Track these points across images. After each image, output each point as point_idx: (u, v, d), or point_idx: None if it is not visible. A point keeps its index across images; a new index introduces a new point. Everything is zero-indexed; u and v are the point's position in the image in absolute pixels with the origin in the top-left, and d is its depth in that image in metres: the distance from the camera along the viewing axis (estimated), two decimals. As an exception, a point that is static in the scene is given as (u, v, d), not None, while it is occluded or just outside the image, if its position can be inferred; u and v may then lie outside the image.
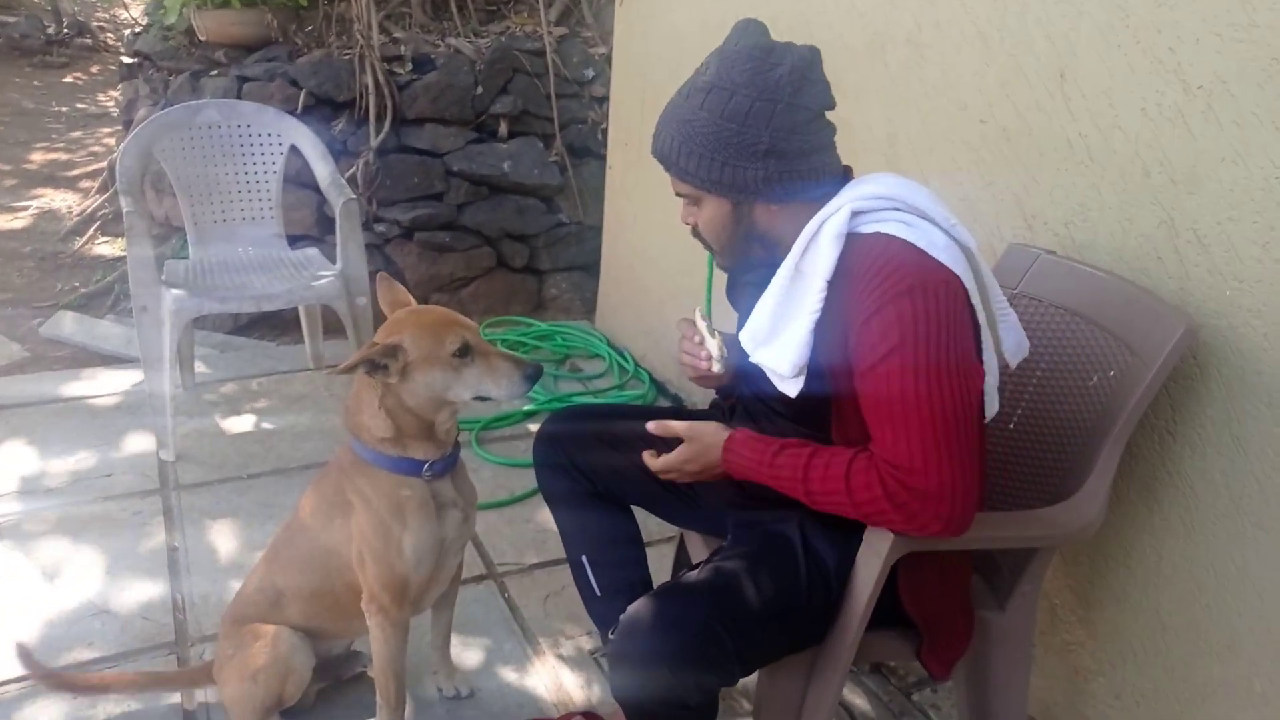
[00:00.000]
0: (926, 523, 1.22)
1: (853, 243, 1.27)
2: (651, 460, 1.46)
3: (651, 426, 1.46)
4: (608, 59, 3.89)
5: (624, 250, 3.62)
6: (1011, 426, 1.66)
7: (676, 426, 1.44)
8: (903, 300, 1.20)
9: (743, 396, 1.55)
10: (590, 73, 4.04)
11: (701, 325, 1.52)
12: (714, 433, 1.41)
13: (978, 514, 1.26)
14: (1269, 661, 1.48)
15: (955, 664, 1.47)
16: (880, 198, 1.29)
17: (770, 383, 1.35)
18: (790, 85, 1.27)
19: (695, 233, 1.44)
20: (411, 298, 1.65)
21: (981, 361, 1.31)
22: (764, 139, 1.28)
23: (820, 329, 1.28)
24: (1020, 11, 1.78)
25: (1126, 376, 1.46)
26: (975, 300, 1.28)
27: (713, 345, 1.49)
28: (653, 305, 3.39)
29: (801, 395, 1.33)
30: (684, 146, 1.32)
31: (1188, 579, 1.58)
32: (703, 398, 2.95)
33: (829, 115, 1.34)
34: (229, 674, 1.65)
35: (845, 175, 1.38)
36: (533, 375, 1.51)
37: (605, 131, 3.81)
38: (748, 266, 1.44)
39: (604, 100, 3.94)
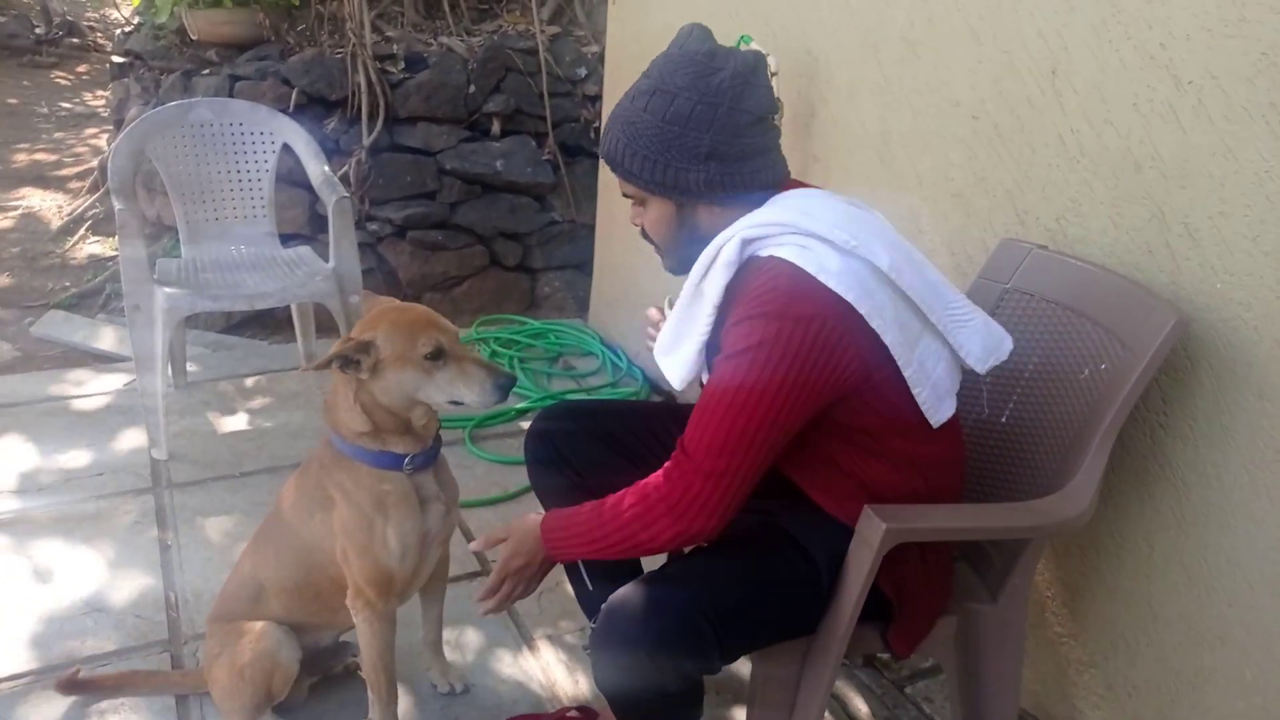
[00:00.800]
0: (685, 493, 1.28)
1: (750, 265, 1.31)
2: (474, 546, 1.54)
3: (472, 547, 1.55)
4: (600, 58, 3.90)
5: (617, 248, 3.62)
6: (1004, 420, 1.67)
7: (496, 533, 1.51)
8: (769, 320, 1.24)
9: None
10: (583, 71, 4.05)
11: (668, 311, 1.54)
12: (530, 520, 1.47)
13: (971, 504, 1.28)
14: (1259, 651, 1.49)
15: (918, 642, 1.48)
16: (774, 224, 1.31)
17: None
18: (732, 90, 1.30)
19: (644, 234, 1.47)
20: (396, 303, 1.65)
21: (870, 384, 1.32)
22: (705, 142, 1.31)
23: (713, 347, 1.34)
24: (1012, 8, 1.79)
25: (1118, 369, 1.47)
26: (884, 318, 1.28)
27: None
28: (646, 303, 3.36)
29: None
30: (629, 148, 1.35)
31: (1179, 570, 1.59)
32: (694, 395, 2.95)
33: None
34: (217, 673, 1.65)
35: (780, 186, 1.41)
36: (506, 384, 1.50)
37: (598, 130, 3.82)
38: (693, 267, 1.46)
39: (596, 99, 3.95)
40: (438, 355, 1.47)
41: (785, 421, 1.27)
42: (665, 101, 1.31)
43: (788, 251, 1.28)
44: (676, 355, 1.41)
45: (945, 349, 1.37)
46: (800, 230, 1.29)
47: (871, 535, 1.30)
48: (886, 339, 1.29)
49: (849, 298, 1.25)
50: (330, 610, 1.67)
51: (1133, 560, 1.67)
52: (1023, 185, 1.81)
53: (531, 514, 1.48)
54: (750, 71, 1.31)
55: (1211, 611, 1.55)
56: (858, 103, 2.21)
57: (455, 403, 1.51)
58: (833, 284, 1.25)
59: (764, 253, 1.30)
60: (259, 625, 1.64)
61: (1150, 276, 1.58)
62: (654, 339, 1.56)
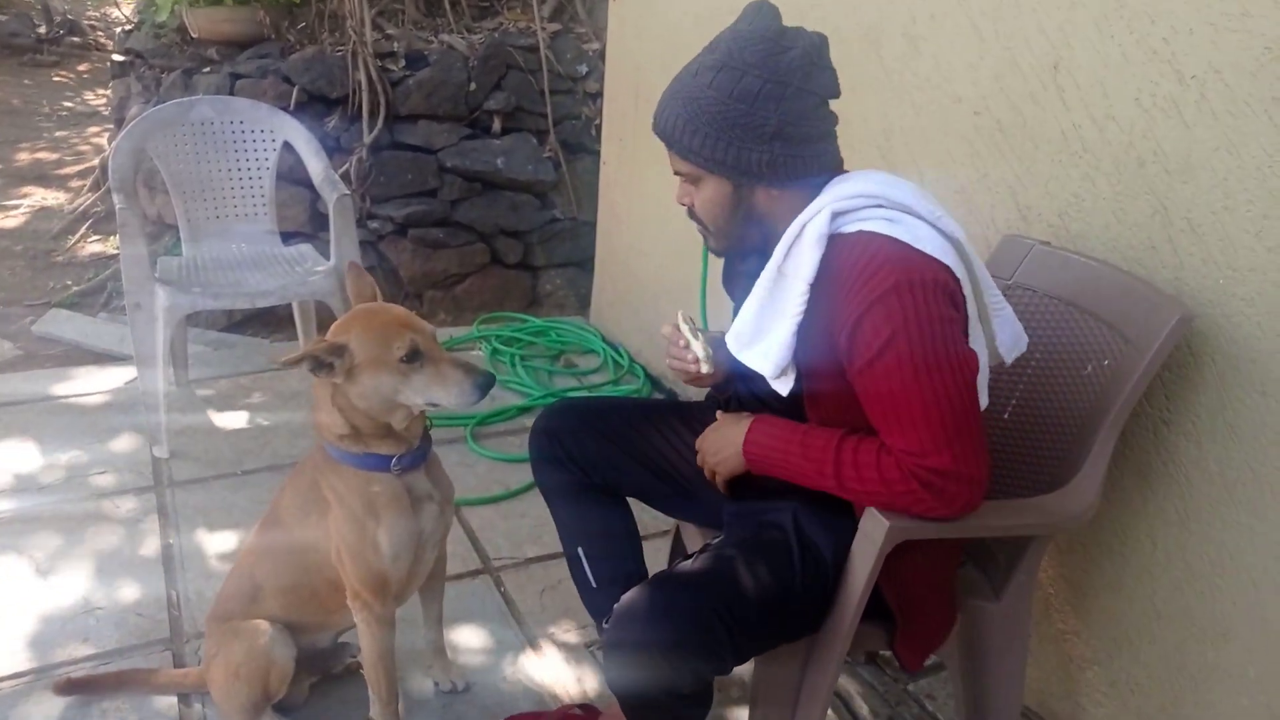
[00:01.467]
0: (953, 500, 1.24)
1: (836, 243, 1.27)
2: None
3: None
4: (601, 55, 3.89)
5: (618, 246, 3.62)
6: (1006, 416, 1.66)
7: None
8: (890, 297, 1.21)
9: (739, 394, 1.56)
10: (584, 68, 4.04)
11: (684, 329, 1.51)
12: (735, 417, 1.44)
13: (974, 502, 1.27)
14: (1263, 648, 1.49)
15: (928, 655, 1.48)
16: (862, 195, 1.29)
17: (765, 381, 1.36)
18: (801, 70, 1.27)
19: (691, 213, 1.43)
20: (377, 289, 1.63)
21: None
22: (772, 122, 1.27)
23: (805, 330, 1.29)
24: (1014, 3, 1.79)
25: (1121, 365, 1.47)
26: (967, 291, 1.29)
27: (698, 348, 1.49)
28: (647, 300, 3.39)
29: (793, 393, 1.34)
30: (689, 124, 1.31)
31: (1182, 567, 1.59)
32: (698, 392, 2.95)
33: (831, 105, 1.34)
34: (215, 672, 1.65)
35: (836, 170, 1.38)
36: (484, 384, 1.47)
37: (599, 127, 3.81)
38: (742, 252, 1.43)
39: (597, 96, 3.94)
40: (414, 357, 1.45)
41: (970, 374, 1.24)
42: (733, 78, 1.27)
43: (876, 225, 1.25)
44: (765, 343, 1.33)
45: (983, 335, 1.37)
46: (888, 202, 1.28)
47: (875, 532, 1.30)
48: (971, 310, 1.29)
49: (946, 263, 1.24)
50: (326, 611, 1.67)
51: (1136, 557, 1.67)
52: (1025, 181, 1.81)
53: (737, 422, 1.44)
54: (818, 53, 1.29)
55: (1215, 608, 1.55)
56: (860, 98, 2.21)
57: (433, 404, 1.49)
58: (930, 251, 1.23)
59: (850, 229, 1.27)
60: (253, 624, 1.64)
61: (1153, 272, 1.57)
62: (678, 357, 1.52)
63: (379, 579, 1.55)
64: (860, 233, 1.26)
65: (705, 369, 1.48)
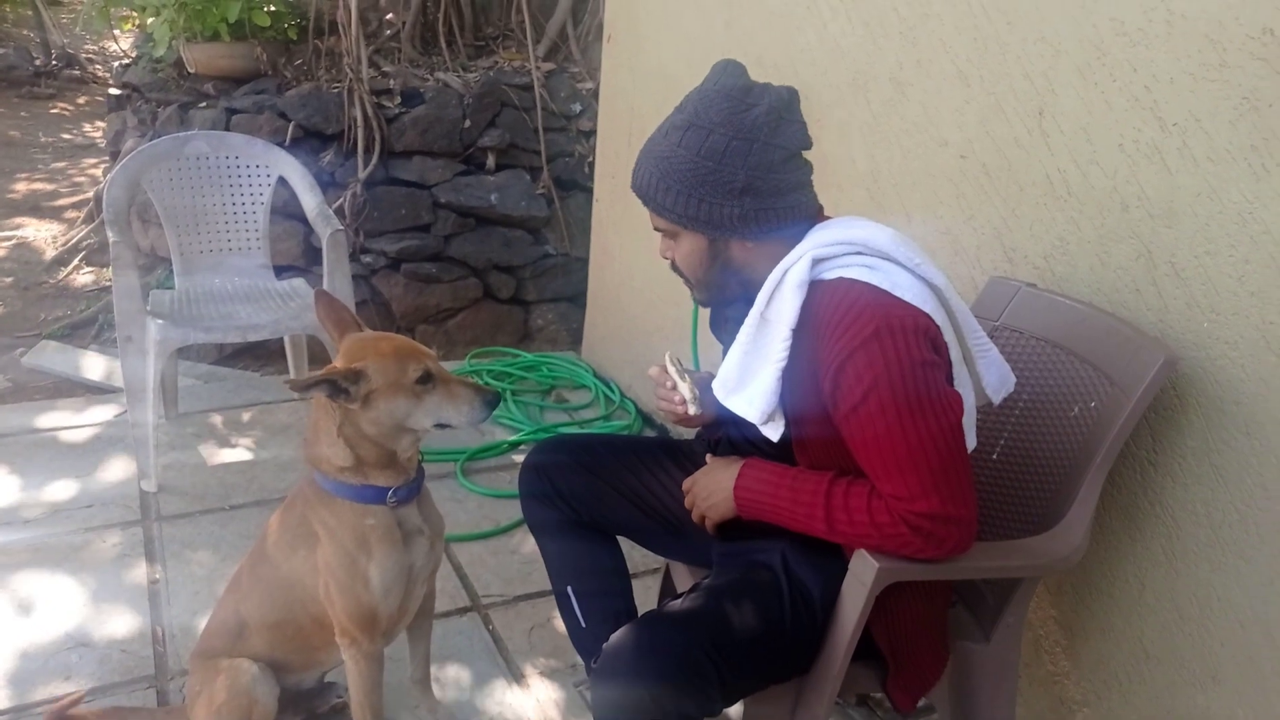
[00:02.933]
0: (942, 542, 1.25)
1: (816, 289, 1.29)
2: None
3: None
4: (594, 94, 3.94)
5: (610, 281, 3.64)
6: (994, 457, 1.67)
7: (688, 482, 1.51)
8: (871, 344, 1.22)
9: (730, 437, 1.56)
10: (577, 107, 4.09)
11: (672, 371, 1.53)
12: (726, 461, 1.45)
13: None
14: (1252, 690, 1.49)
15: (921, 697, 1.48)
16: (841, 243, 1.31)
17: (754, 426, 1.37)
18: (767, 125, 1.29)
19: (674, 267, 1.46)
20: (357, 317, 1.64)
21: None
22: (740, 177, 1.30)
23: (791, 375, 1.31)
24: (999, 51, 1.82)
25: (1107, 407, 1.48)
26: (948, 336, 1.30)
27: (684, 389, 1.51)
28: (639, 336, 3.41)
29: (782, 438, 1.35)
30: (662, 182, 1.34)
31: (1170, 608, 1.59)
32: (689, 430, 2.96)
33: (807, 155, 1.37)
34: (198, 711, 1.62)
35: (816, 217, 1.40)
36: (492, 401, 1.53)
37: (592, 165, 3.85)
38: (724, 301, 1.46)
39: (591, 134, 3.98)
40: (427, 380, 1.48)
41: (954, 416, 1.25)
42: (700, 137, 1.30)
43: (856, 272, 1.27)
44: (750, 390, 1.35)
45: (969, 377, 1.38)
46: (868, 249, 1.30)
47: (865, 573, 1.30)
48: (954, 354, 1.30)
49: (926, 310, 1.26)
50: (311, 649, 1.65)
51: (1124, 598, 1.67)
52: (1010, 224, 1.83)
53: (727, 467, 1.45)
54: (785, 107, 1.31)
55: (1204, 650, 1.55)
56: (848, 141, 2.24)
57: (441, 426, 1.51)
58: (908, 298, 1.25)
59: (829, 275, 1.29)
60: (237, 662, 1.62)
61: (1138, 314, 1.59)
62: (665, 398, 1.54)
63: (369, 614, 1.54)
64: (840, 279, 1.28)
65: (693, 410, 1.50)
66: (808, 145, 1.35)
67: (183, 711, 1.74)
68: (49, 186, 6.23)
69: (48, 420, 3.06)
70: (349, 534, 1.53)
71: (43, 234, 5.24)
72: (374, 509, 1.54)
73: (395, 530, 1.56)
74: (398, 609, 1.60)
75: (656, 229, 1.43)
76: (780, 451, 1.40)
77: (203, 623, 2.09)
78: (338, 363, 1.49)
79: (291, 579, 1.60)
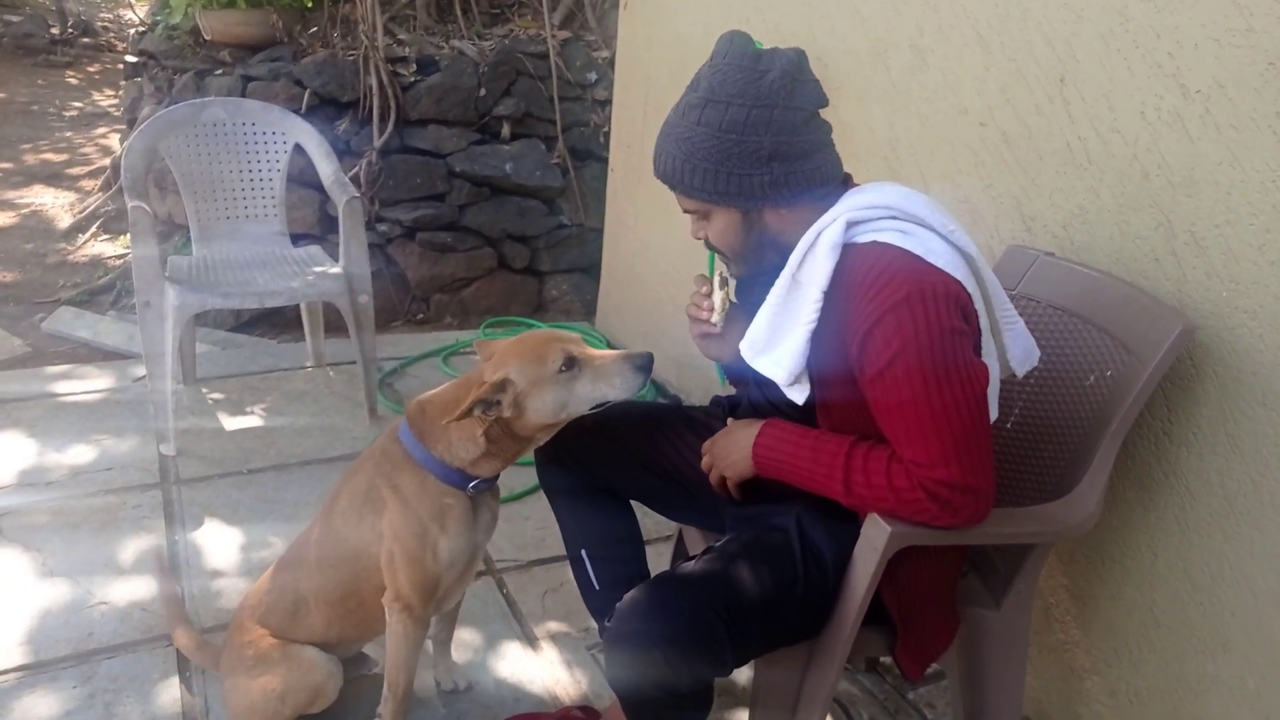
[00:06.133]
0: (959, 510, 1.26)
1: (849, 253, 1.28)
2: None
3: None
4: (610, 62, 3.92)
5: (625, 252, 3.64)
6: (1010, 425, 1.67)
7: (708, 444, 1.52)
8: (901, 309, 1.22)
9: (753, 399, 1.57)
10: (593, 76, 4.07)
11: (715, 279, 1.52)
12: (746, 422, 1.44)
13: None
14: (1262, 659, 1.49)
15: (929, 664, 1.49)
16: (877, 207, 1.30)
17: (778, 388, 1.37)
18: (783, 89, 1.29)
19: (708, 245, 1.45)
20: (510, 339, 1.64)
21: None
22: (766, 144, 1.29)
23: (819, 338, 1.30)
24: (1021, 17, 1.80)
25: (1123, 376, 1.48)
26: (978, 305, 1.30)
27: (717, 297, 1.50)
28: (653, 306, 3.41)
29: (806, 401, 1.35)
30: (687, 163, 1.33)
31: (1182, 577, 1.60)
32: (701, 397, 2.96)
33: (826, 117, 1.36)
34: (250, 687, 1.62)
35: (846, 182, 1.40)
36: (646, 364, 1.50)
37: (607, 134, 3.83)
38: (763, 270, 1.44)
39: (606, 103, 3.96)
40: (570, 365, 1.47)
41: (979, 385, 1.25)
42: (719, 112, 1.29)
43: (890, 236, 1.27)
44: (780, 350, 1.34)
45: (995, 348, 1.38)
46: (903, 214, 1.29)
47: (877, 538, 1.31)
48: (983, 324, 1.30)
49: (958, 277, 1.26)
50: (371, 620, 1.65)
51: (1136, 567, 1.67)
52: (1030, 192, 1.82)
53: (748, 427, 1.45)
54: (796, 69, 1.30)
55: (1215, 619, 1.55)
56: (866, 109, 2.22)
57: (602, 404, 1.50)
58: (941, 264, 1.25)
59: (863, 239, 1.29)
60: (308, 654, 1.63)
61: (1156, 284, 1.59)
62: (695, 303, 1.53)
63: (431, 584, 1.56)
64: (874, 243, 1.28)
65: (715, 318, 1.50)
66: (825, 103, 1.34)
67: (213, 654, 1.75)
68: (66, 154, 6.25)
69: (67, 385, 3.09)
70: (427, 506, 1.53)
71: (60, 201, 5.27)
72: (453, 490, 1.55)
73: (470, 511, 1.57)
74: (457, 579, 1.62)
75: (686, 211, 1.42)
76: (803, 415, 1.40)
77: (221, 583, 2.12)
78: (483, 375, 1.49)
79: (357, 548, 1.58)
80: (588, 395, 1.49)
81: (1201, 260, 1.52)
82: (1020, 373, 1.43)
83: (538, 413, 1.48)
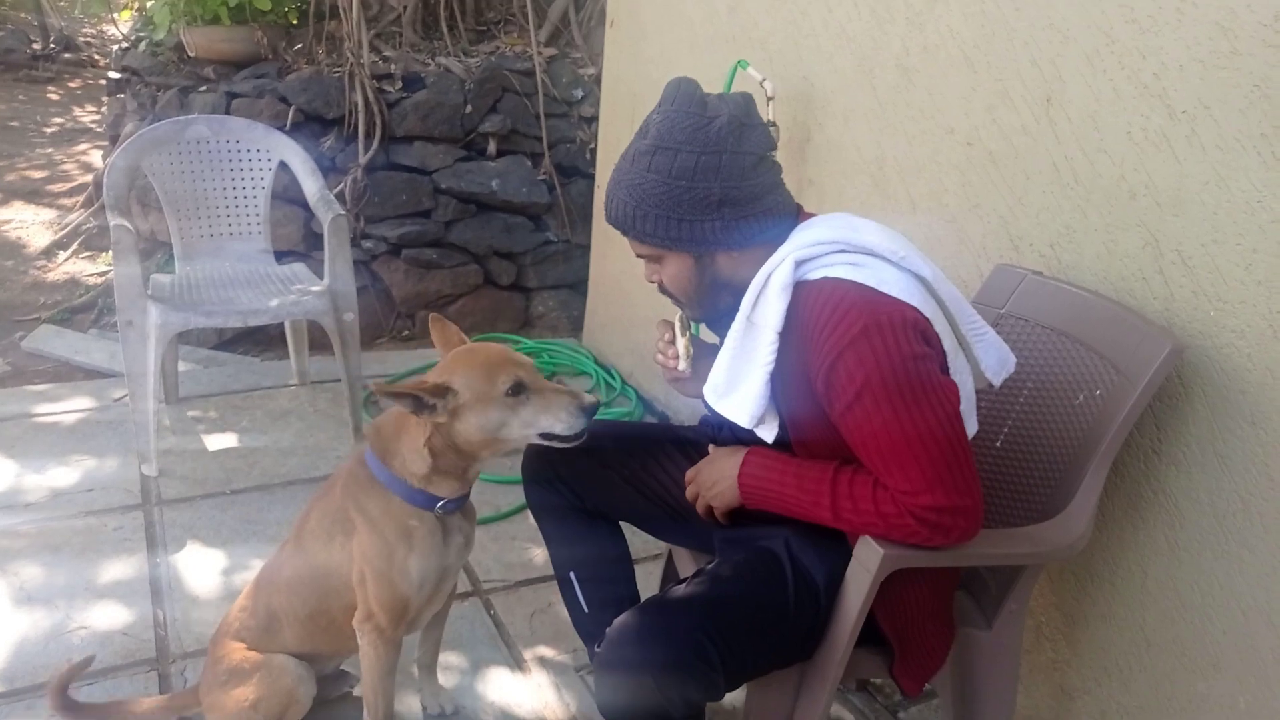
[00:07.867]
0: (949, 531, 1.25)
1: (802, 290, 1.29)
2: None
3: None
4: (596, 80, 3.92)
5: (611, 268, 3.63)
6: (998, 445, 1.67)
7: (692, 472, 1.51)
8: (860, 342, 1.22)
9: (736, 435, 1.56)
10: (579, 93, 4.07)
11: (676, 325, 1.54)
12: (729, 450, 1.44)
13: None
14: (1253, 679, 1.49)
15: (927, 681, 1.48)
16: (823, 243, 1.31)
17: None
18: (731, 134, 1.30)
19: (662, 289, 1.46)
20: (464, 335, 1.63)
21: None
22: (715, 190, 1.30)
23: (785, 378, 1.31)
24: (1007, 37, 1.81)
25: (1112, 396, 1.48)
26: (939, 326, 1.30)
27: (680, 345, 1.51)
28: (639, 323, 3.40)
29: (779, 440, 1.36)
30: (639, 210, 1.34)
31: (1173, 596, 1.60)
32: (690, 416, 2.95)
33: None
34: (224, 701, 1.61)
35: (798, 214, 1.41)
36: (591, 409, 1.49)
37: (593, 151, 3.84)
38: (719, 314, 1.44)
39: (592, 120, 3.97)
40: (518, 390, 1.45)
41: (951, 405, 1.24)
42: (669, 159, 1.30)
43: (840, 270, 1.27)
44: (740, 393, 1.35)
45: (967, 363, 1.38)
46: (851, 246, 1.29)
47: (870, 560, 1.30)
48: (947, 344, 1.30)
49: (914, 303, 1.25)
50: (343, 638, 1.64)
51: (1126, 586, 1.67)
52: (1016, 211, 1.83)
53: (731, 455, 1.45)
54: (744, 113, 1.32)
55: (1205, 639, 1.55)
56: (853, 128, 2.23)
57: (545, 436, 1.49)
58: (895, 293, 1.25)
59: (815, 275, 1.29)
60: (278, 660, 1.62)
61: (1144, 303, 1.59)
62: (662, 351, 1.55)
63: (401, 604, 1.54)
64: (825, 279, 1.28)
65: (683, 366, 1.51)
66: (773, 147, 1.37)
67: (191, 693, 1.73)
68: (45, 171, 6.20)
69: (47, 405, 3.05)
70: (392, 526, 1.52)
71: (41, 218, 5.22)
72: (419, 512, 1.53)
73: (438, 532, 1.56)
74: (426, 601, 1.60)
75: (639, 256, 1.44)
76: (781, 448, 1.40)
77: (204, 607, 2.09)
78: (429, 376, 1.47)
79: (327, 568, 1.58)
80: (528, 422, 1.47)
81: (1189, 279, 1.52)
82: (997, 382, 1.43)
83: (474, 427, 1.46)
